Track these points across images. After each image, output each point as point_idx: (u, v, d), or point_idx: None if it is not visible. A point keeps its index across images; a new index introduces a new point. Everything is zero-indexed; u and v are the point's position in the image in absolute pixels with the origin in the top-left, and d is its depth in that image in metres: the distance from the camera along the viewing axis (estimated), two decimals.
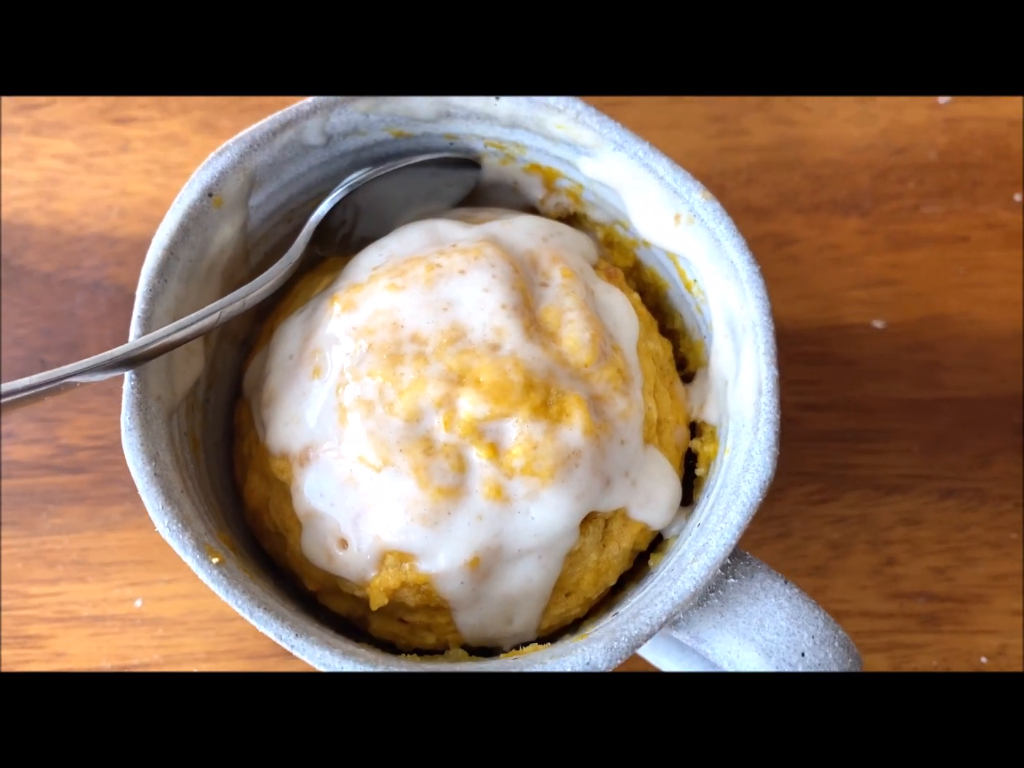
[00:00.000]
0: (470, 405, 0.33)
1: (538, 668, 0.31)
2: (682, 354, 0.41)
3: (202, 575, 0.31)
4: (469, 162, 0.39)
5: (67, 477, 0.50)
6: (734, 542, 0.32)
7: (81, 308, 0.53)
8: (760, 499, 0.33)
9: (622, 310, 0.37)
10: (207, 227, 0.35)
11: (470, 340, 0.34)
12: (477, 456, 0.33)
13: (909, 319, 0.55)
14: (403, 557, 0.34)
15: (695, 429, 0.39)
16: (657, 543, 0.38)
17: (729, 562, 0.34)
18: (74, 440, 0.51)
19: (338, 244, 0.39)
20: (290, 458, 0.35)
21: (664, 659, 0.41)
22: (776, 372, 0.34)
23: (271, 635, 0.31)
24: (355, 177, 0.38)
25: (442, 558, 0.33)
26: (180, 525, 0.31)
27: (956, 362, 0.54)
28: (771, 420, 0.33)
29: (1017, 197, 0.57)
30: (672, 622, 0.33)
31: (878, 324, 0.54)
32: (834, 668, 0.33)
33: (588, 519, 0.35)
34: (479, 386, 0.33)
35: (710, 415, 0.38)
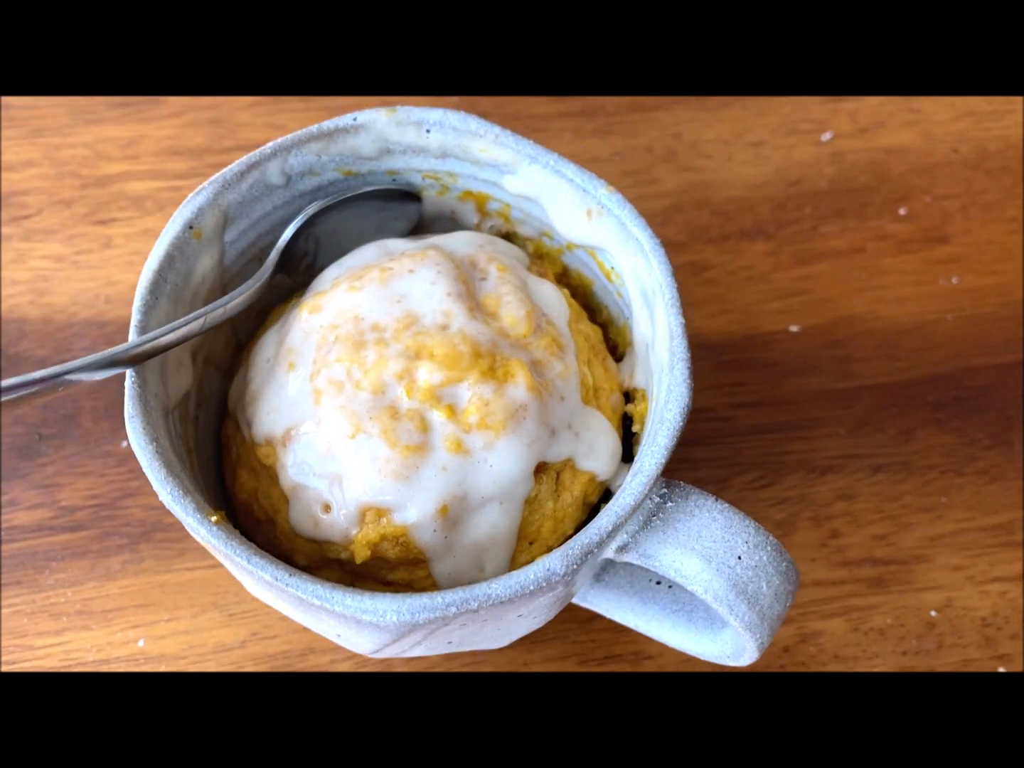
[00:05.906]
0: (427, 374, 0.38)
1: (501, 585, 0.35)
2: (612, 340, 0.46)
3: (202, 532, 0.35)
4: (411, 196, 0.46)
5: (68, 535, 0.54)
6: (663, 461, 0.37)
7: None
8: (682, 424, 0.38)
9: (553, 296, 0.43)
10: (189, 256, 0.41)
11: (423, 324, 0.40)
12: (438, 417, 0.38)
13: (821, 322, 0.61)
14: (380, 512, 0.38)
15: (629, 398, 0.44)
16: (608, 497, 0.43)
17: (666, 490, 0.38)
18: (73, 501, 0.55)
19: (303, 272, 0.45)
20: (274, 442, 0.40)
21: (629, 614, 0.45)
22: (683, 320, 0.39)
23: (268, 576, 0.34)
24: (312, 207, 0.44)
25: (414, 509, 0.38)
26: (180, 492, 0.36)
27: (867, 354, 0.60)
28: (683, 358, 0.38)
29: (902, 211, 0.64)
30: (622, 547, 0.38)
31: (794, 328, 0.60)
32: (770, 569, 0.37)
33: (541, 469, 0.40)
34: (433, 358, 0.39)
35: (639, 380, 0.43)
